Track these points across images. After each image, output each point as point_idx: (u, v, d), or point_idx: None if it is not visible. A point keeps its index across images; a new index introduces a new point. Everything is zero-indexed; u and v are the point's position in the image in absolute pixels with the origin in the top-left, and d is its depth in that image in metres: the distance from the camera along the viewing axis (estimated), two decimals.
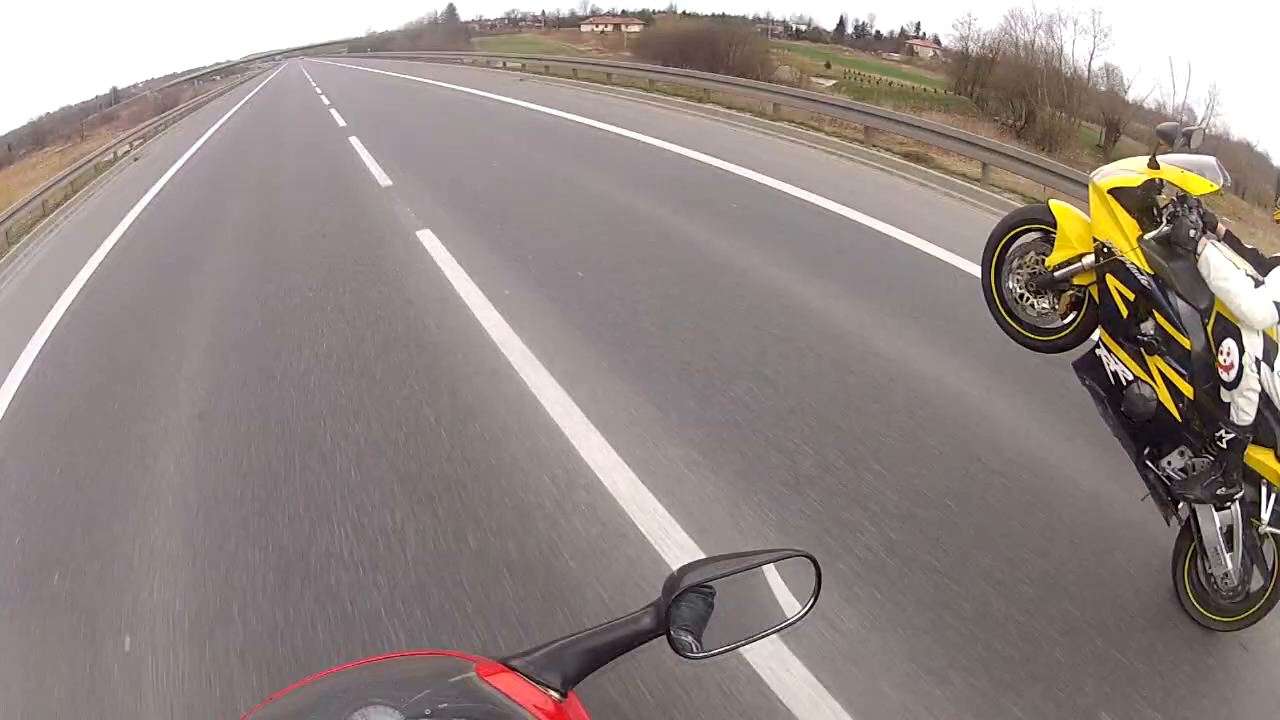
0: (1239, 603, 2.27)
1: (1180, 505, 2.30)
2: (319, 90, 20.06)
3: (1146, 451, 2.31)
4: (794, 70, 16.66)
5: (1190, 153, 2.30)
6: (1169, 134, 2.30)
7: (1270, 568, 2.20)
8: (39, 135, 18.29)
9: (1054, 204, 2.49)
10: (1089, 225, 2.35)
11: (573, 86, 15.39)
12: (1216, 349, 2.16)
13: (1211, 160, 2.25)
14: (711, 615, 0.86)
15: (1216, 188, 2.20)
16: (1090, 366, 2.39)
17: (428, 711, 0.69)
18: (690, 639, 0.86)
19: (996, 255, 2.66)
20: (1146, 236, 2.24)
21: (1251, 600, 2.25)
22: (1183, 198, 2.23)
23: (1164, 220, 2.23)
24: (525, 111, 12.22)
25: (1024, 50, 14.76)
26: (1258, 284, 2.10)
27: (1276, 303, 2.06)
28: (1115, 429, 2.36)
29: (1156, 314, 2.23)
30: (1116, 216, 2.29)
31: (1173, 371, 2.20)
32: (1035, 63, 14.69)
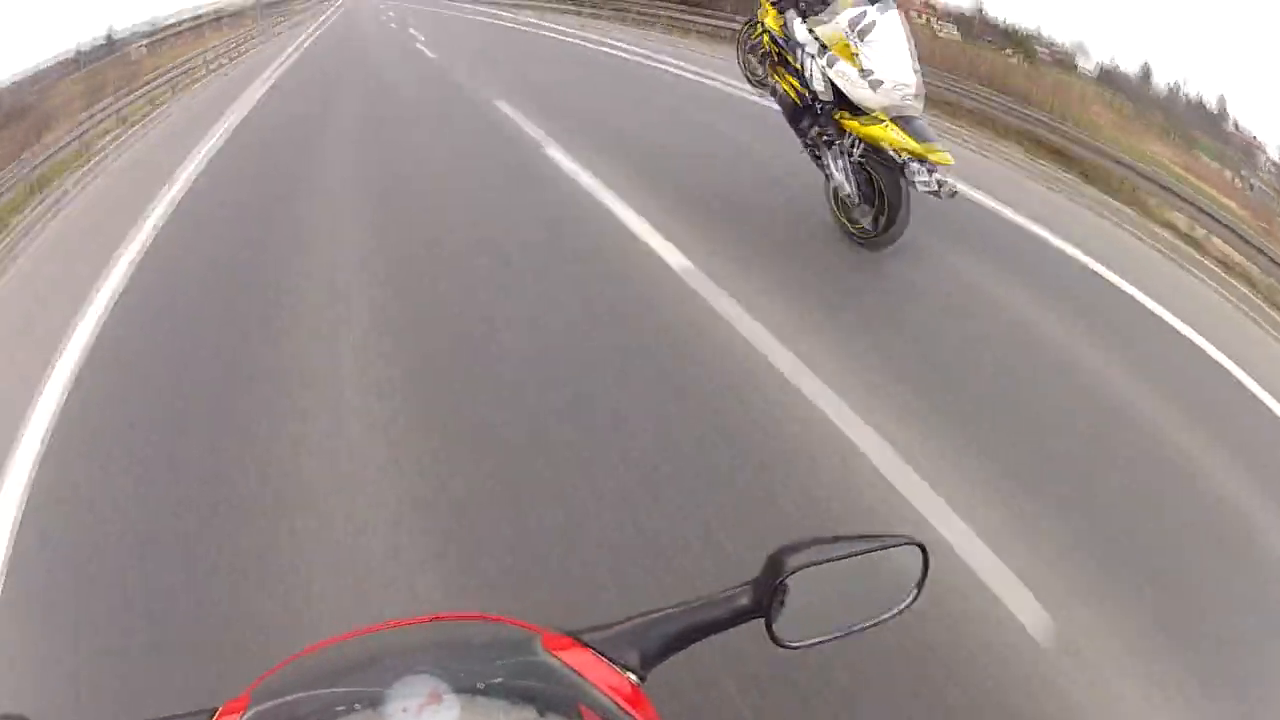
0: (868, 222, 4.33)
1: (817, 154, 4.49)
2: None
3: (797, 129, 4.53)
4: None
5: None
6: None
7: (877, 196, 4.24)
8: None
9: (759, 11, 4.75)
10: (764, 15, 4.64)
11: None
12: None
13: None
14: (803, 598, 0.77)
15: None
16: (773, 90, 4.67)
17: (480, 685, 0.61)
18: (805, 620, 0.78)
19: (741, 38, 5.07)
20: (777, 16, 4.50)
21: (876, 222, 4.32)
22: None
23: (779, 7, 4.47)
24: None
25: None
26: (810, 30, 4.25)
27: (811, 31, 4.21)
28: (787, 121, 4.60)
29: (784, 52, 4.48)
30: (769, 10, 4.56)
31: (792, 79, 4.44)
32: None
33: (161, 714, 0.68)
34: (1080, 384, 3.51)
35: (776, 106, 4.78)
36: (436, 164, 6.36)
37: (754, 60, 4.97)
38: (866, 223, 4.34)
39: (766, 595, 0.76)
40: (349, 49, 14.80)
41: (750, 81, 5.10)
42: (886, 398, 3.16)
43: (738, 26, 5.32)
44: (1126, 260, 5.08)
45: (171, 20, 13.49)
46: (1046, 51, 10.14)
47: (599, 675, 0.69)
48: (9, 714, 0.62)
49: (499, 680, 0.63)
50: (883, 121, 4.06)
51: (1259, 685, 2.25)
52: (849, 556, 0.78)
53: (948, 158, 3.96)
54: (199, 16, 14.39)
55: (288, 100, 9.86)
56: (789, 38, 4.44)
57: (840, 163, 4.33)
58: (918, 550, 0.81)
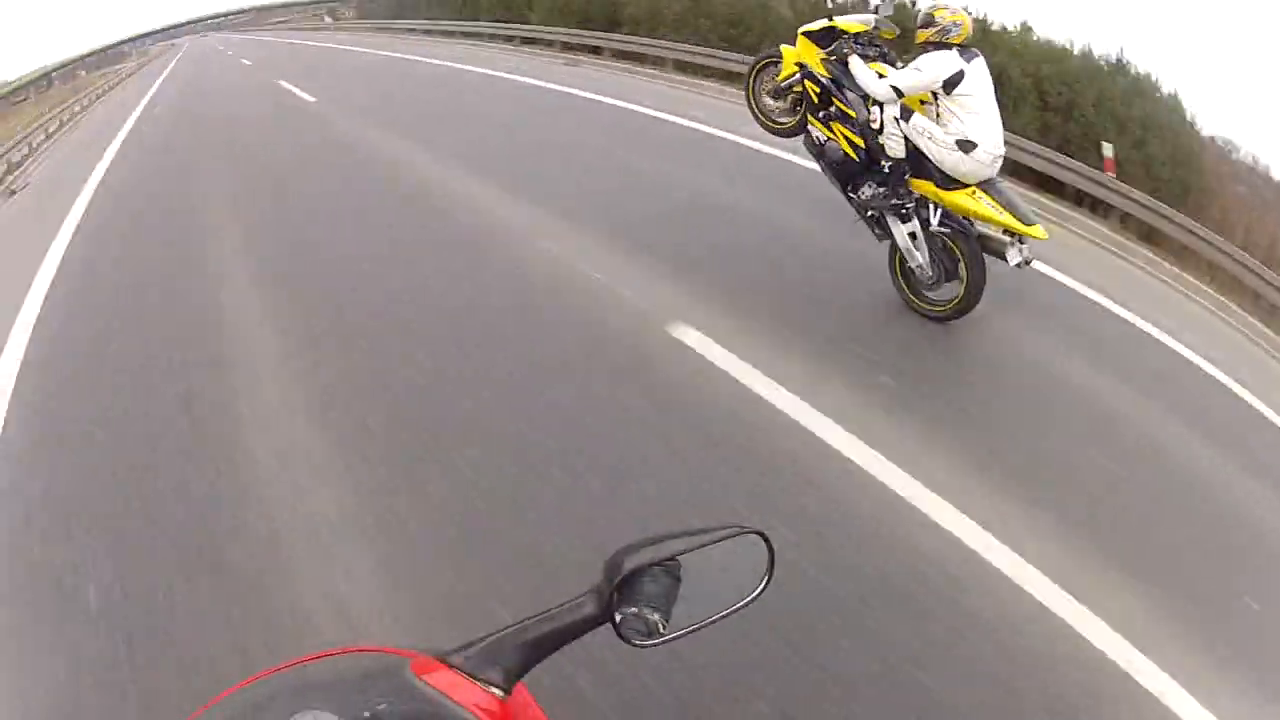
0: (943, 297, 3.64)
1: (882, 223, 3.72)
2: None
3: (849, 189, 3.76)
4: None
5: (868, 13, 3.78)
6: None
7: (959, 269, 3.55)
8: None
9: (781, 46, 3.98)
10: (795, 55, 3.84)
11: None
12: (870, 115, 3.63)
13: (869, 16, 3.72)
14: (683, 589, 0.80)
15: (866, 27, 3.67)
16: (806, 140, 3.87)
17: (366, 714, 0.67)
18: (657, 617, 0.80)
19: (752, 78, 4.19)
20: (825, 57, 3.72)
21: (954, 298, 3.61)
22: (847, 35, 3.71)
23: (833, 48, 3.71)
24: None
25: None
26: (882, 77, 3.54)
27: (892, 86, 3.44)
28: (828, 177, 3.79)
29: (835, 100, 3.69)
30: (809, 48, 3.77)
31: (849, 132, 3.65)
32: None
33: None
34: None
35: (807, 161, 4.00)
36: None
37: (773, 103, 4.15)
38: (939, 297, 3.68)
39: (607, 600, 0.77)
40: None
41: (768, 127, 4.25)
42: None
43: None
44: None
45: None
46: None
47: (466, 695, 0.75)
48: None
49: (382, 706, 0.70)
50: (968, 188, 3.44)
51: None
52: (685, 552, 0.80)
53: (1044, 233, 3.42)
54: None
55: None
56: (841, 82, 3.68)
57: (912, 232, 3.61)
58: (760, 539, 0.84)
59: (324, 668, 0.84)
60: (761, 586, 0.84)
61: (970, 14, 3.51)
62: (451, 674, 0.76)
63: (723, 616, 0.83)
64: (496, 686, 0.77)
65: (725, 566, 0.83)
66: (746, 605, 0.84)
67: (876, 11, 3.74)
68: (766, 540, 0.84)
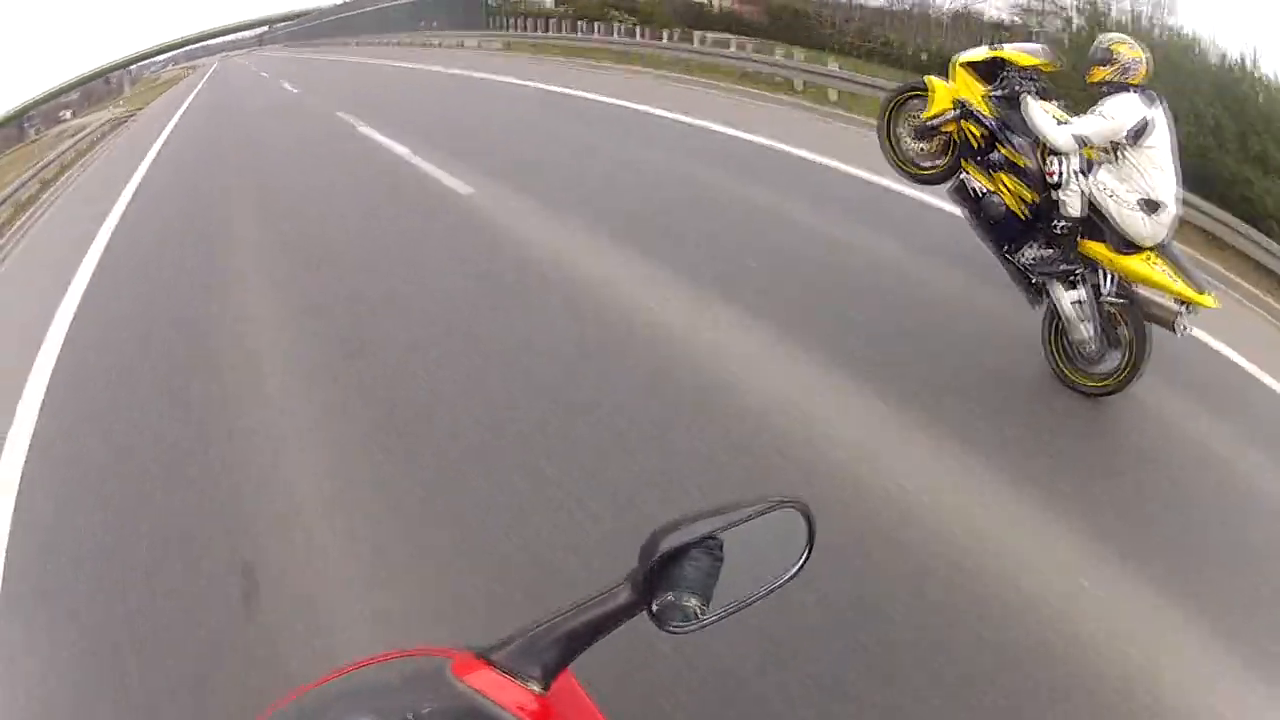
0: (1103, 370, 3.18)
1: (1039, 287, 3.19)
2: None
3: (1006, 249, 3.21)
4: None
5: (1035, 43, 3.23)
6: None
7: (1123, 340, 3.09)
8: None
9: (928, 78, 3.45)
10: (951, 90, 3.30)
11: None
12: (1046, 166, 3.05)
13: (1039, 46, 3.20)
14: (722, 570, 0.77)
15: (1038, 61, 3.18)
16: (958, 189, 3.35)
17: (409, 717, 0.70)
18: (694, 602, 0.77)
19: (889, 114, 3.69)
20: (989, 93, 3.17)
21: (1117, 372, 3.14)
22: (1016, 68, 3.15)
23: (1001, 83, 3.15)
24: None
25: None
26: (1061, 123, 2.99)
27: (1076, 136, 2.99)
28: (980, 233, 3.30)
29: (1000, 145, 3.15)
30: (969, 82, 3.22)
31: (1016, 183, 3.12)
32: None
33: None
34: None
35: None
36: None
37: (917, 145, 3.60)
38: (1099, 370, 3.21)
39: (643, 586, 0.76)
40: None
41: (907, 173, 3.70)
42: None
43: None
44: None
45: None
46: None
47: (505, 694, 0.75)
48: None
49: (426, 710, 0.73)
50: (1144, 253, 3.03)
51: None
52: (724, 529, 0.77)
53: (1216, 302, 3.07)
54: None
55: None
56: (1010, 125, 3.12)
57: (1078, 300, 3.15)
58: (798, 512, 0.81)
59: (369, 674, 0.86)
60: (802, 561, 0.82)
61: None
62: (491, 672, 0.78)
63: (763, 596, 0.82)
64: (535, 682, 0.77)
65: (765, 542, 0.81)
66: (787, 582, 0.82)
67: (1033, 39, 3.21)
68: (806, 513, 0.81)
